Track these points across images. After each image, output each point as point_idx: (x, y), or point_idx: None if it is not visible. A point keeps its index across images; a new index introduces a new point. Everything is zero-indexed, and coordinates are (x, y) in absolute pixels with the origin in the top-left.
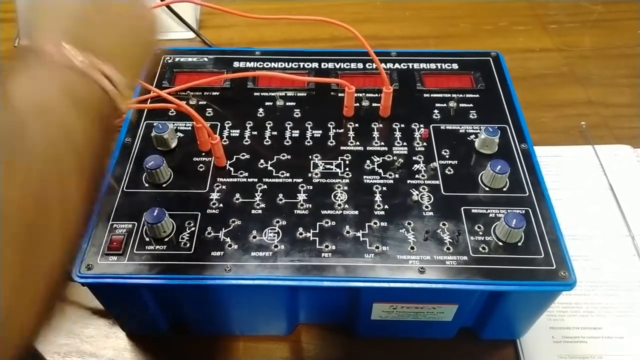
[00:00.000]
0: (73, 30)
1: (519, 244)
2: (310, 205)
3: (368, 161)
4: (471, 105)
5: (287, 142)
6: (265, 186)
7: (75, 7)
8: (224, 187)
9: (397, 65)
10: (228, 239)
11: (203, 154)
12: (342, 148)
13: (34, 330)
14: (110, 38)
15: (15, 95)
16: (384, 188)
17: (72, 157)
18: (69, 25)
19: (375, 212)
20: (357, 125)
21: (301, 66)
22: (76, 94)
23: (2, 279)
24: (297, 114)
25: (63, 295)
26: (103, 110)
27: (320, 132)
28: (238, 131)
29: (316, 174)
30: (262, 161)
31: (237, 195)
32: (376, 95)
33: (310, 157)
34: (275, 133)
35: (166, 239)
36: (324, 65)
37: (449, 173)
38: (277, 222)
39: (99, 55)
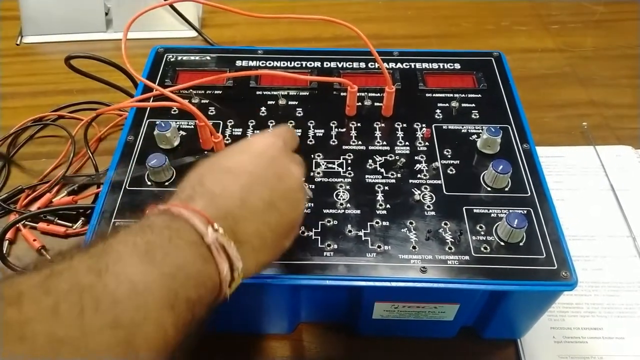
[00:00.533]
0: (227, 206)
1: (521, 244)
2: (312, 204)
3: (370, 160)
4: (473, 105)
5: None
6: None
7: (246, 186)
8: None
9: (399, 65)
10: None
11: (205, 152)
12: (344, 147)
13: None
14: (255, 228)
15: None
16: (386, 187)
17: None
18: (227, 200)
19: (377, 212)
20: (359, 124)
21: (303, 65)
22: (189, 269)
23: None
24: (299, 113)
25: None
26: (199, 300)
27: (323, 131)
28: (240, 130)
29: (318, 173)
30: None
31: None
32: (378, 94)
33: (312, 156)
34: None
35: None
36: (327, 64)
37: (451, 173)
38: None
39: (236, 238)
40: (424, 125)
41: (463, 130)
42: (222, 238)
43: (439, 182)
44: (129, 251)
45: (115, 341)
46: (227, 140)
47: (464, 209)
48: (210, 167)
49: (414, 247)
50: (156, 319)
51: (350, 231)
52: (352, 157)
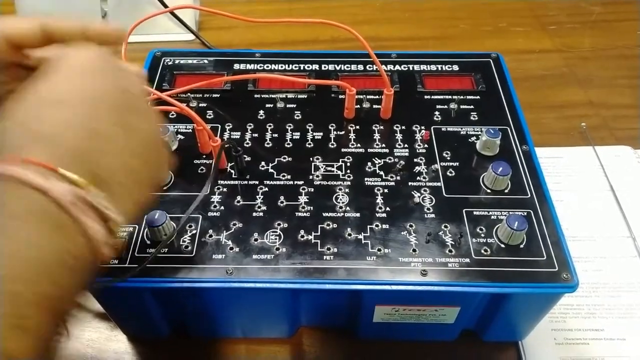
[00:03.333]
0: (75, 145)
1: (521, 246)
2: (312, 208)
3: (369, 163)
4: (472, 106)
5: (288, 144)
6: (267, 188)
7: (90, 114)
8: (224, 189)
9: (397, 67)
10: (229, 242)
11: (204, 156)
12: (343, 150)
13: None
14: (119, 161)
15: None
16: (386, 190)
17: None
18: (71, 137)
19: (377, 215)
20: (357, 127)
21: (301, 68)
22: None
23: None
24: (297, 116)
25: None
26: (78, 254)
27: (321, 134)
28: (239, 133)
29: (317, 176)
30: (263, 163)
31: (238, 198)
32: (377, 97)
33: (311, 159)
34: (275, 135)
35: (167, 242)
36: (324, 67)
37: (450, 175)
38: (279, 224)
39: (99, 180)
40: (422, 127)
41: (462, 132)
42: (77, 188)
43: (438, 184)
44: None
45: None
46: (226, 144)
47: (463, 211)
48: (31, 107)
49: (414, 250)
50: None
51: (349, 234)
52: (351, 160)
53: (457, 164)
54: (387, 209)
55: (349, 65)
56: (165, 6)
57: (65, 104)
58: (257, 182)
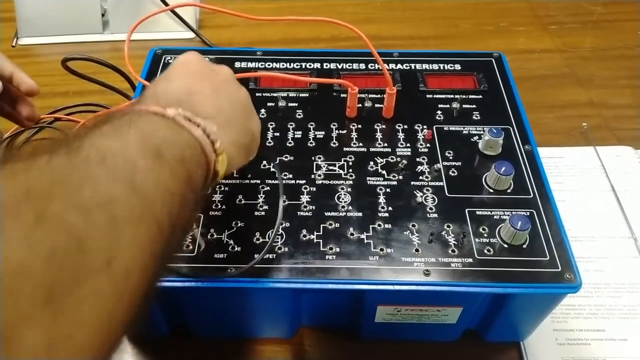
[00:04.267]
0: (178, 97)
1: (524, 246)
2: (314, 207)
3: (371, 162)
4: (474, 106)
5: (290, 143)
6: (268, 188)
7: (187, 82)
8: (226, 188)
9: (399, 66)
10: (231, 241)
11: None
12: (345, 149)
13: None
14: (214, 109)
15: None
16: (388, 189)
17: (135, 202)
18: (175, 94)
19: (379, 214)
20: (359, 126)
21: (303, 66)
22: (159, 141)
23: None
24: (299, 114)
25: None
26: (190, 162)
27: (323, 133)
28: None
29: (319, 175)
30: (264, 162)
31: (240, 197)
32: (379, 96)
33: (313, 158)
34: (277, 134)
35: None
36: (326, 65)
37: (452, 174)
38: (281, 224)
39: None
40: (425, 126)
41: (464, 132)
42: (183, 112)
43: (440, 184)
44: (99, 137)
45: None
46: None
47: (466, 211)
48: (147, 88)
49: (416, 250)
50: (168, 187)
51: (352, 234)
52: (353, 159)
53: (460, 163)
54: (390, 208)
55: (350, 64)
56: (166, 4)
57: (169, 79)
58: (258, 181)
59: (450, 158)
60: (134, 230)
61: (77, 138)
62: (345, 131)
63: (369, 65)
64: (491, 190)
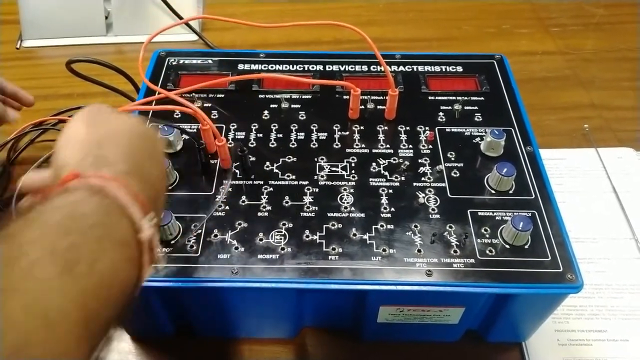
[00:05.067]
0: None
1: (526, 246)
2: (317, 208)
3: (374, 164)
4: (476, 107)
5: (293, 144)
6: (271, 188)
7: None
8: (230, 189)
9: (401, 68)
10: (234, 242)
11: (209, 156)
12: (348, 150)
13: None
14: (155, 193)
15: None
16: (390, 190)
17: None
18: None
19: (382, 215)
20: (362, 127)
21: (306, 68)
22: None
23: None
24: (302, 116)
25: None
26: (130, 293)
27: (326, 134)
28: (243, 133)
29: (322, 176)
30: (267, 163)
31: (243, 198)
32: (381, 97)
33: (315, 159)
34: (280, 135)
35: (172, 242)
36: (329, 67)
37: (455, 175)
38: (284, 224)
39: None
40: (427, 128)
41: (466, 133)
42: (154, 235)
43: (443, 185)
44: (43, 260)
45: None
46: (231, 144)
47: (468, 211)
48: (92, 135)
49: (419, 251)
50: (66, 346)
51: (354, 235)
52: (355, 160)
53: (462, 164)
54: (392, 209)
55: (353, 66)
56: (180, 17)
57: (109, 138)
58: (262, 182)
59: (452, 159)
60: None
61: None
62: (347, 133)
63: (372, 67)
64: (493, 191)
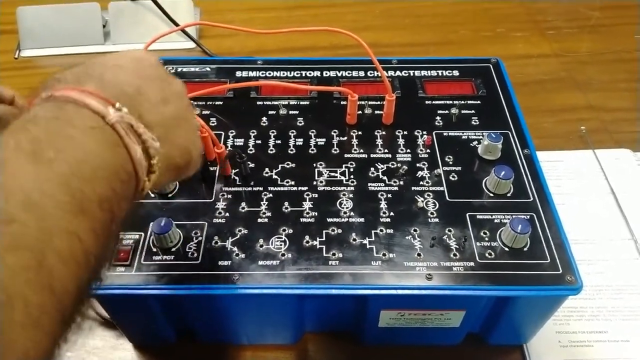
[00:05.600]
0: (126, 91)
1: (525, 249)
2: (316, 214)
3: (372, 168)
4: (473, 111)
5: (291, 150)
6: (271, 195)
7: (139, 79)
8: (229, 196)
9: (398, 73)
10: (235, 248)
11: (208, 163)
12: (346, 156)
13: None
14: (158, 118)
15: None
16: (389, 195)
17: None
18: (125, 86)
19: (381, 220)
20: (360, 132)
21: (303, 75)
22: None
23: None
24: (300, 122)
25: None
26: (125, 178)
27: (324, 140)
28: (242, 140)
29: (321, 182)
30: (267, 170)
31: (243, 204)
32: (378, 102)
33: (314, 165)
34: (279, 142)
35: (173, 249)
36: (326, 73)
37: (453, 179)
38: (284, 230)
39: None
40: (424, 132)
41: (464, 137)
42: (128, 116)
43: (441, 188)
44: (11, 155)
45: (21, 265)
46: (229, 149)
47: (467, 215)
48: (93, 64)
49: (418, 255)
50: (65, 229)
51: (354, 239)
52: (354, 165)
53: (460, 168)
54: (391, 213)
55: (350, 72)
56: (176, 24)
57: (120, 67)
58: (261, 189)
59: (450, 163)
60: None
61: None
62: (345, 138)
63: (369, 73)
64: (491, 195)
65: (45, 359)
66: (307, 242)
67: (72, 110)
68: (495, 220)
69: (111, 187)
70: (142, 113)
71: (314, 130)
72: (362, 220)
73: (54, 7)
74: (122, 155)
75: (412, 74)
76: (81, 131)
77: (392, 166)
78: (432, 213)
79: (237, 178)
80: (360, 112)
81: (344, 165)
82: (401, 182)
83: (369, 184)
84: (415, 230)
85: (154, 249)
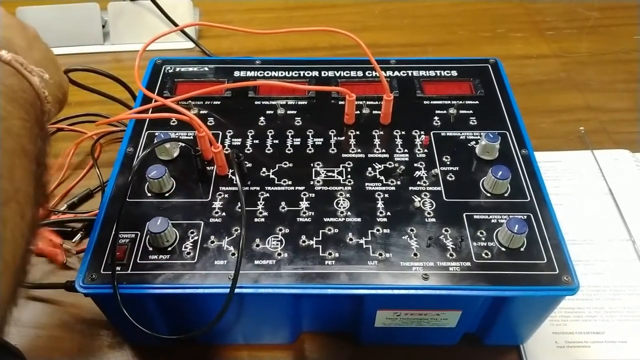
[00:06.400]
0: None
1: (522, 249)
2: (313, 213)
3: (369, 168)
4: (471, 111)
5: (289, 150)
6: (268, 194)
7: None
8: (226, 195)
9: (396, 73)
10: (231, 248)
11: (205, 163)
12: (344, 155)
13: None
14: (39, 56)
15: None
16: (386, 195)
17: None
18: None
19: (378, 219)
20: (358, 132)
21: (301, 75)
22: (4, 83)
23: None
24: (298, 122)
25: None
26: (32, 102)
27: (322, 140)
28: (240, 140)
29: (318, 181)
30: (264, 169)
31: (239, 204)
32: (376, 102)
33: (312, 165)
34: (276, 141)
35: (169, 248)
36: (324, 73)
37: (450, 179)
38: (280, 230)
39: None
40: (422, 132)
41: (461, 137)
42: (17, 56)
43: (438, 188)
44: None
45: None
46: (227, 150)
47: (464, 215)
48: None
49: (415, 255)
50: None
51: (351, 239)
52: (351, 165)
53: (457, 168)
54: (388, 213)
55: (348, 72)
56: (176, 24)
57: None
58: (258, 188)
59: (448, 163)
60: None
61: None
62: (343, 138)
63: (367, 73)
64: (488, 195)
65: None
66: (304, 241)
67: None
68: (492, 221)
69: (24, 109)
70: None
71: (312, 130)
72: (358, 220)
73: (54, 7)
74: (25, 83)
75: (410, 74)
76: None
77: (390, 166)
78: (429, 213)
79: (234, 177)
80: (358, 112)
81: (341, 165)
82: (398, 182)
83: (366, 184)
84: (412, 230)
85: (150, 248)
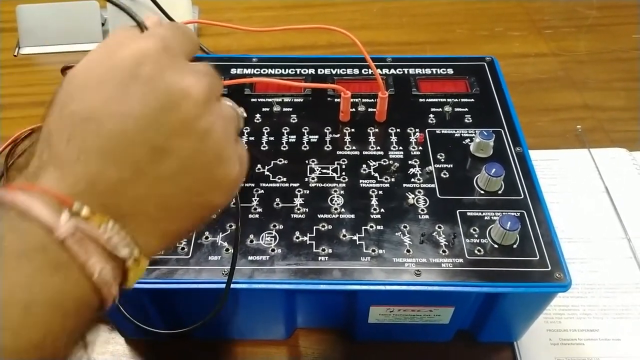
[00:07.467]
0: (97, 170)
1: (514, 246)
2: (307, 210)
3: (364, 165)
4: (466, 109)
5: (284, 147)
6: (262, 191)
7: (119, 134)
8: None
9: (392, 71)
10: (225, 243)
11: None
12: (339, 153)
13: None
14: (149, 190)
15: None
16: (380, 192)
17: None
18: (93, 162)
19: (372, 216)
20: (353, 130)
21: (298, 72)
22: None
23: None
24: (293, 119)
25: None
26: (79, 296)
27: (317, 137)
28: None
29: (313, 178)
30: (259, 166)
31: (233, 200)
32: (372, 100)
33: (306, 161)
34: (272, 138)
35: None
36: (321, 71)
37: (444, 176)
38: (274, 226)
39: (120, 212)
40: (417, 130)
41: (456, 135)
42: (85, 223)
43: (432, 186)
44: None
45: None
46: None
47: (457, 212)
48: (60, 115)
49: (408, 251)
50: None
51: (344, 236)
52: (346, 162)
53: (451, 165)
54: (382, 210)
55: (344, 70)
56: (167, 15)
57: (91, 119)
58: (253, 185)
59: (442, 160)
60: None
61: None
62: (338, 135)
63: (363, 71)
64: (482, 192)
65: None
66: (297, 237)
67: (14, 223)
68: (486, 218)
69: (50, 328)
70: (120, 196)
71: (307, 127)
72: (352, 216)
73: (54, 5)
74: (71, 278)
75: (406, 72)
76: (16, 259)
77: (384, 163)
78: (422, 210)
79: None
80: (353, 109)
81: (336, 162)
82: (392, 179)
83: (361, 181)
84: (405, 227)
85: None
